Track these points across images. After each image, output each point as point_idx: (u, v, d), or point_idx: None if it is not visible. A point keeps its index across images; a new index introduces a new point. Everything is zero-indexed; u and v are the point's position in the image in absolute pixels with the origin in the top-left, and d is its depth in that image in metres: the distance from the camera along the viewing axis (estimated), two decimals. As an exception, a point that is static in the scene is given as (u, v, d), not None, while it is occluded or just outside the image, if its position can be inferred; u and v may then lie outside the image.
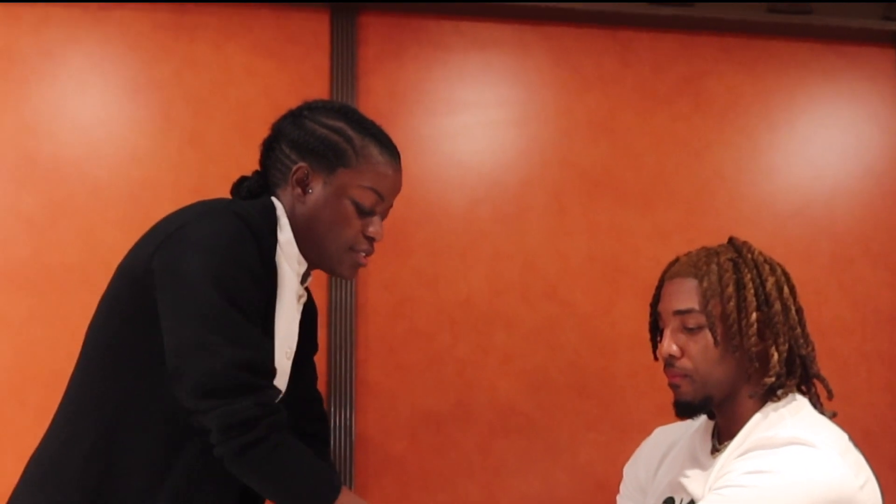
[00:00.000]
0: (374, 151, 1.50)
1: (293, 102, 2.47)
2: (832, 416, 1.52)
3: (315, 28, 2.53)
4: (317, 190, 1.48)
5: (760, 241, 2.57)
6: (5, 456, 2.27)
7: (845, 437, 1.47)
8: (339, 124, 1.50)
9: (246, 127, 2.46)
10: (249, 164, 2.42)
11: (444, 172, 2.56)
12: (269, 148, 1.55)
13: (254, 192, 1.55)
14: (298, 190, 1.49)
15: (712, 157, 2.68)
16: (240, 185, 1.58)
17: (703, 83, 2.71)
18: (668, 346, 1.52)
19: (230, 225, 1.36)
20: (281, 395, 1.45)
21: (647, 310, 1.64)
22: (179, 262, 1.33)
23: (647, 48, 2.70)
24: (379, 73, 2.55)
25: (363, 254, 1.52)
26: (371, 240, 1.52)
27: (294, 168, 1.48)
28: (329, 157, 1.48)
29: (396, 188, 1.55)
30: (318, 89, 2.49)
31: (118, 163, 2.40)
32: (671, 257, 1.65)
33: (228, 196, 1.58)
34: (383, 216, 1.55)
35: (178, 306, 1.32)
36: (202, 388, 1.28)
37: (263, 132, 2.49)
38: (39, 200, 2.35)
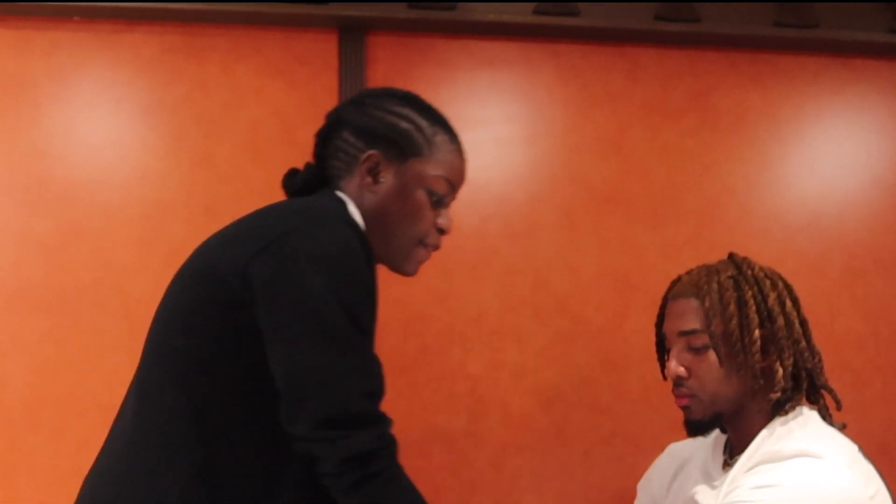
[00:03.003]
0: (445, 139, 1.43)
1: (303, 122, 2.50)
2: (842, 428, 1.52)
3: (323, 48, 2.54)
4: (388, 179, 1.39)
5: (771, 254, 2.57)
6: (19, 475, 2.27)
7: (854, 448, 1.46)
8: (406, 111, 1.42)
9: (256, 147, 2.47)
10: (260, 183, 2.44)
11: (453, 190, 2.57)
12: (327, 138, 1.45)
13: (310, 185, 1.45)
14: (369, 179, 1.39)
15: (721, 172, 2.68)
16: (293, 178, 1.48)
17: (711, 98, 2.72)
18: (675, 367, 1.53)
19: (345, 235, 1.26)
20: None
21: (658, 326, 1.65)
22: (298, 278, 1.21)
23: (655, 64, 2.70)
24: (387, 92, 2.56)
25: (431, 248, 1.45)
26: (441, 232, 1.44)
27: (363, 156, 1.38)
28: (401, 145, 1.39)
29: (464, 177, 1.48)
30: (328, 109, 2.50)
31: (130, 185, 2.41)
32: (682, 272, 1.65)
33: (280, 189, 1.50)
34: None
35: (300, 328, 1.21)
36: (325, 417, 1.19)
37: (274, 152, 2.51)
38: (52, 223, 2.37)
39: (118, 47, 2.45)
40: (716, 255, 2.56)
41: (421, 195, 1.40)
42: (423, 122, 1.41)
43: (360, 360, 1.24)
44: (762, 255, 1.73)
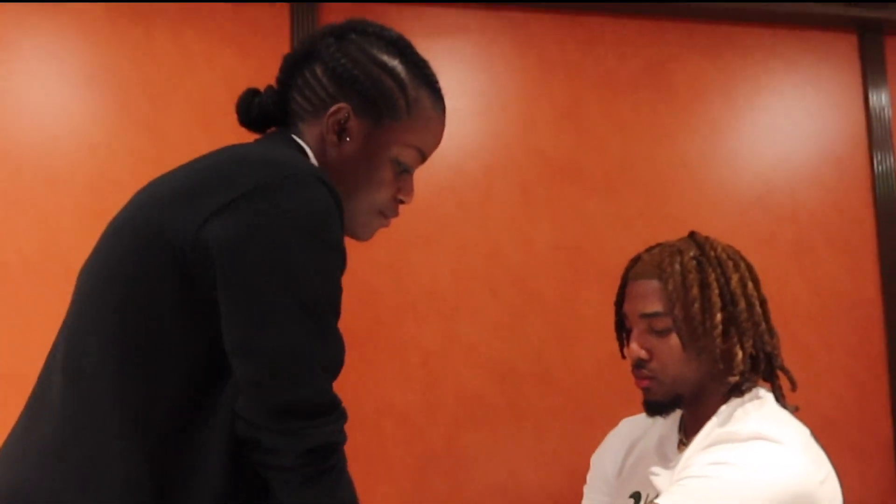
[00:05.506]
0: (427, 104, 1.25)
1: (254, 91, 2.45)
2: (795, 410, 1.53)
3: (275, 14, 2.49)
4: (355, 139, 1.22)
5: (723, 227, 2.59)
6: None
7: (807, 432, 1.48)
8: (394, 63, 1.23)
9: (205, 116, 2.42)
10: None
11: (407, 161, 2.54)
12: (296, 66, 1.25)
13: (267, 114, 1.27)
14: (334, 136, 1.22)
15: (676, 144, 2.68)
16: (250, 101, 1.29)
17: (667, 70, 2.71)
18: (637, 349, 1.52)
19: (324, 197, 1.09)
20: None
21: (611, 296, 1.63)
22: (270, 241, 1.05)
23: (612, 34, 2.69)
24: (341, 60, 2.51)
25: (390, 217, 1.29)
26: (401, 202, 1.29)
27: (333, 108, 1.20)
28: (378, 105, 1.21)
29: (438, 143, 1.30)
30: (280, 77, 2.46)
31: (74, 154, 2.35)
32: (635, 244, 1.64)
33: (232, 112, 1.30)
34: None
35: (270, 300, 1.04)
36: (289, 406, 1.04)
37: (223, 121, 2.45)
38: (-6, 193, 2.30)
39: (61, 11, 2.37)
40: (668, 228, 2.57)
41: (388, 164, 1.24)
42: (409, 80, 1.23)
43: (330, 342, 1.09)
44: (714, 228, 1.73)
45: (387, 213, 1.28)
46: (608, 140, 2.65)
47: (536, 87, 2.63)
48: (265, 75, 2.43)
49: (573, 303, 2.56)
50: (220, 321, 1.07)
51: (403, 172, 1.26)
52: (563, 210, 2.60)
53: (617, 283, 1.63)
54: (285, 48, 2.46)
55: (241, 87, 2.40)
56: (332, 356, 1.10)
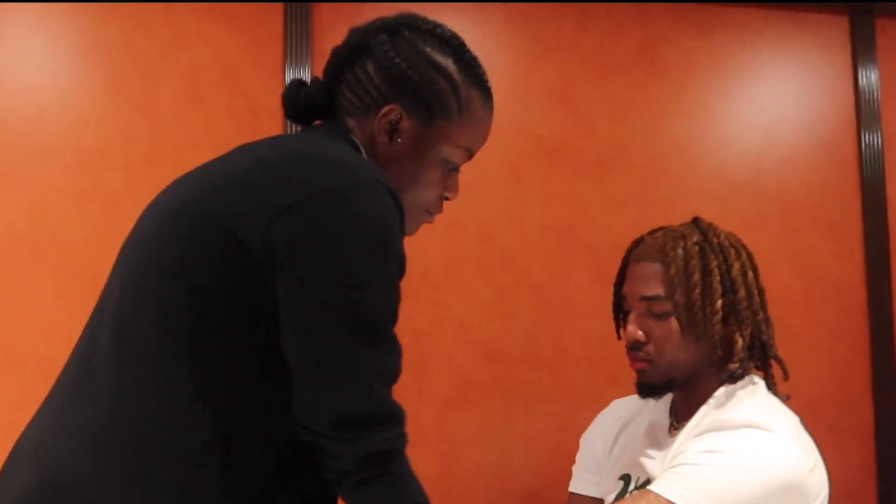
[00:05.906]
0: (478, 104, 1.26)
1: (246, 67, 2.44)
2: (786, 399, 1.55)
3: (268, -10, 2.46)
4: (406, 139, 1.23)
5: (712, 210, 2.60)
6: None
7: (797, 420, 1.50)
8: (447, 62, 1.23)
9: (197, 91, 2.40)
10: (201, 130, 2.38)
11: (399, 140, 2.53)
12: (346, 61, 1.25)
13: (314, 107, 1.28)
14: (385, 137, 1.23)
15: (667, 126, 2.69)
16: (297, 93, 1.28)
17: (660, 50, 2.71)
18: (634, 331, 1.53)
19: (388, 206, 1.09)
20: None
21: (601, 279, 1.65)
22: (337, 252, 1.05)
23: (605, 14, 2.68)
24: (334, 36, 2.49)
25: (434, 215, 1.32)
26: (446, 199, 1.31)
27: (386, 109, 1.22)
28: (431, 107, 1.22)
29: (486, 141, 1.32)
30: (272, 52, 2.44)
31: (65, 129, 2.33)
32: (625, 227, 1.65)
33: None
34: None
35: (333, 311, 1.05)
36: (347, 415, 1.06)
37: (215, 97, 2.44)
38: (-17, 167, 2.28)
39: (51, -17, 2.34)
40: (659, 210, 2.59)
41: (436, 163, 1.25)
42: (461, 81, 1.24)
43: (388, 351, 1.10)
44: (704, 211, 1.73)
45: (432, 211, 1.30)
46: (600, 121, 2.65)
47: (529, 68, 2.62)
48: (257, 49, 2.44)
49: (563, 284, 2.57)
50: (279, 317, 1.07)
51: (451, 171, 1.28)
52: (554, 191, 2.60)
53: (607, 264, 1.63)
54: (278, 22, 2.45)
55: (233, 63, 2.41)
56: (390, 366, 1.10)
